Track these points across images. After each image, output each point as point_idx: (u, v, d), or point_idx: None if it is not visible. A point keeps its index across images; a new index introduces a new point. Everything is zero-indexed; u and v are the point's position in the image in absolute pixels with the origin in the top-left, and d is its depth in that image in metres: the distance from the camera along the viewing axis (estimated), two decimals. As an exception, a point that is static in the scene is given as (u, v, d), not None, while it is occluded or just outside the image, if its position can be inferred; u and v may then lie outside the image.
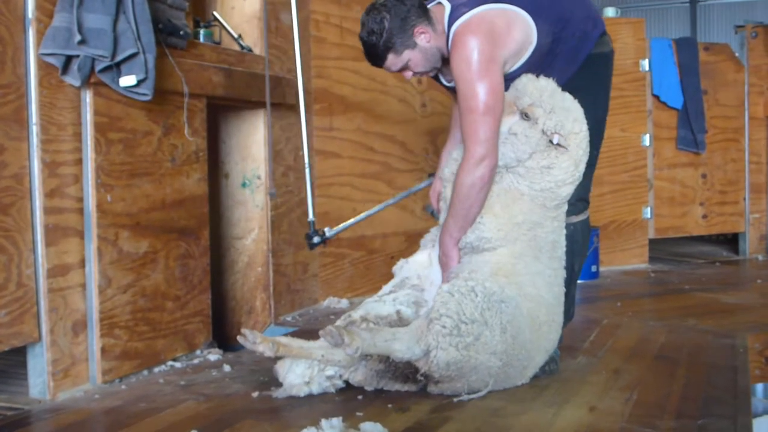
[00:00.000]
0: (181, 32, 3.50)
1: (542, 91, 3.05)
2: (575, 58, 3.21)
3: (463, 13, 3.02)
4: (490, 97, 2.95)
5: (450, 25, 3.05)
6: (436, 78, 3.33)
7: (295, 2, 4.19)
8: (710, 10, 16.88)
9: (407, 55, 3.08)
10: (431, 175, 3.80)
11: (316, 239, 3.90)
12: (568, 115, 3.05)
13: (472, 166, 2.98)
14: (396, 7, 3.03)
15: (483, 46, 2.96)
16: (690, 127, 6.49)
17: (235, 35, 4.22)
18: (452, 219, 3.10)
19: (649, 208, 6.40)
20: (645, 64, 6.31)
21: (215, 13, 4.27)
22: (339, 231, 4.19)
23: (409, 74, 3.16)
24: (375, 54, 3.09)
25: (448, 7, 3.09)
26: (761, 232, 6.94)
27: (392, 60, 3.09)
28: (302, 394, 2.99)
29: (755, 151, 6.88)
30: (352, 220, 4.32)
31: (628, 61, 6.25)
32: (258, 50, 4.28)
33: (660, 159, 6.48)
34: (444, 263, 3.17)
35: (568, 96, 3.10)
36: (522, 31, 3.05)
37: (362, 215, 4.39)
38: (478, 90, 2.95)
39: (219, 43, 4.13)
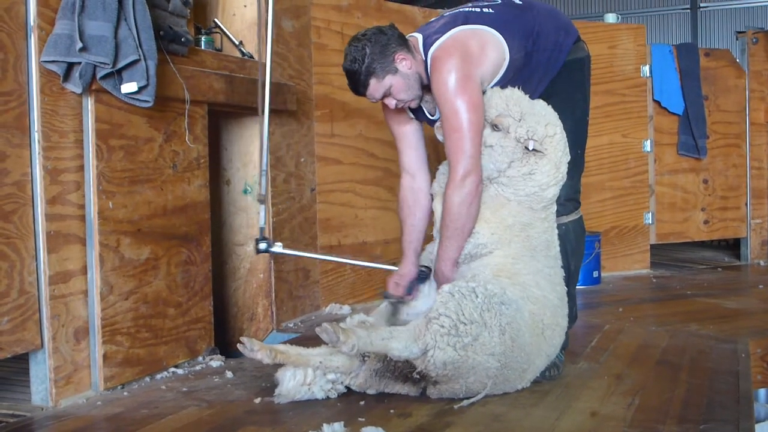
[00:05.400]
0: (183, 39, 3.51)
1: (507, 101, 3.11)
2: (552, 68, 3.30)
3: (437, 39, 3.13)
4: (471, 113, 3.03)
5: (426, 52, 3.15)
6: (419, 113, 3.36)
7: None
8: (711, 16, 16.87)
9: (389, 80, 3.13)
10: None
11: (262, 245, 3.92)
12: (539, 120, 3.10)
13: (459, 183, 3.04)
14: (376, 36, 3.13)
15: (459, 65, 3.05)
16: (691, 133, 6.48)
17: (236, 42, 4.23)
18: (448, 240, 3.12)
19: (650, 214, 6.40)
20: (646, 69, 6.31)
21: (216, 20, 4.28)
22: (285, 254, 4.21)
23: (392, 102, 3.20)
24: (357, 80, 3.14)
25: (420, 37, 3.21)
26: (763, 237, 6.93)
27: (374, 86, 3.14)
28: (304, 397, 2.99)
29: (756, 157, 6.88)
30: (305, 253, 4.43)
31: (629, 66, 6.26)
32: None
33: (661, 164, 6.48)
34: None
35: (539, 102, 3.18)
36: (495, 49, 3.14)
37: (320, 255, 4.54)
38: (458, 108, 3.03)
39: (220, 50, 4.14)
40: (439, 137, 3.19)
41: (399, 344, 2.84)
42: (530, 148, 3.06)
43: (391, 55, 3.11)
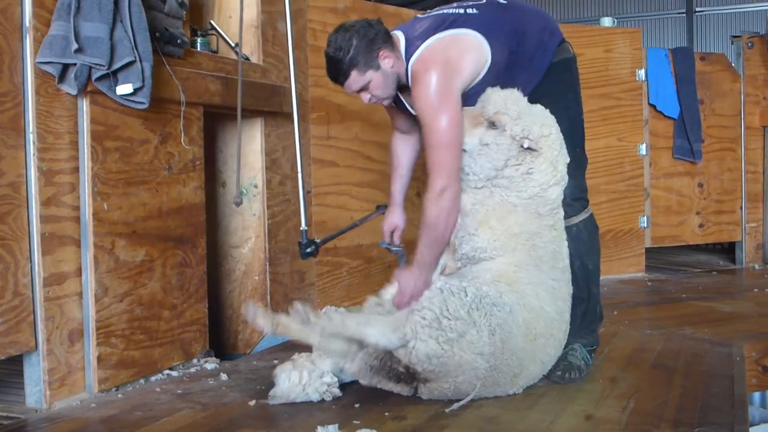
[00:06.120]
0: (179, 41, 3.51)
1: (506, 99, 3.13)
2: (537, 69, 3.31)
3: (418, 46, 3.15)
4: (450, 129, 3.04)
5: (407, 58, 3.17)
6: (399, 102, 3.38)
7: (289, 11, 4.18)
8: (707, 20, 16.91)
9: (370, 75, 3.15)
10: (379, 207, 3.83)
11: (309, 249, 3.88)
12: (535, 119, 3.13)
13: (435, 197, 3.05)
14: (364, 29, 3.14)
15: (439, 80, 3.06)
16: (686, 137, 6.50)
17: (233, 44, 4.22)
18: (424, 248, 3.10)
19: (645, 217, 6.41)
20: (642, 73, 6.32)
21: (212, 21, 4.28)
22: (330, 239, 4.18)
23: (366, 96, 3.23)
24: (339, 70, 3.16)
25: (402, 38, 3.22)
26: (758, 241, 6.95)
27: (354, 78, 3.15)
28: (298, 399, 3.00)
29: (751, 161, 6.90)
30: (340, 231, 4.33)
31: (625, 70, 6.27)
32: (255, 59, 4.28)
33: (656, 168, 6.49)
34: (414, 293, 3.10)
35: (537, 105, 3.20)
36: (475, 53, 3.15)
37: (338, 232, 4.35)
38: (438, 124, 3.04)
39: (216, 52, 4.14)
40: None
41: (375, 331, 2.88)
42: (525, 146, 3.08)
43: (376, 51, 3.13)
